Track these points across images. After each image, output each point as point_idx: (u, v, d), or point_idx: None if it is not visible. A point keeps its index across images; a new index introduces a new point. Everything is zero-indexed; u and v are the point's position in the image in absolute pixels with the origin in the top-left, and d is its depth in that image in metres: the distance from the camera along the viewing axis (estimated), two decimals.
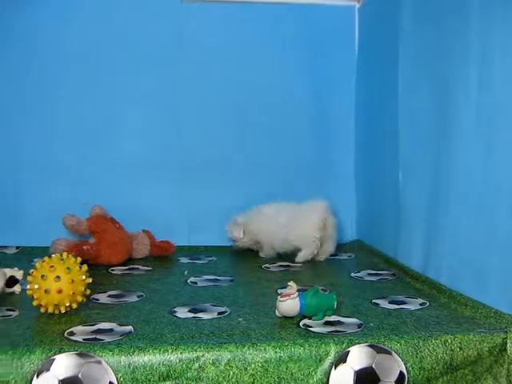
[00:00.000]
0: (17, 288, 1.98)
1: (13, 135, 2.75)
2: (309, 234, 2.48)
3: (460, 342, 1.48)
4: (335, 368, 1.42)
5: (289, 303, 1.65)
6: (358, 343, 1.45)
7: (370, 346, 1.45)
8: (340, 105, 2.89)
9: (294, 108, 2.86)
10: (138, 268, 2.42)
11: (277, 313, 1.69)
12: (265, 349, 1.42)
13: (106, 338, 1.50)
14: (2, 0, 2.68)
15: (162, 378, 1.38)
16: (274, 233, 2.56)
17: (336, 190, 2.88)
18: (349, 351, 1.43)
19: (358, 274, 2.26)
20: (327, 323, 1.63)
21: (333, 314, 1.68)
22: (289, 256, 2.56)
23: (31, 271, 1.73)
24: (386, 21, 2.44)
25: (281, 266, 2.44)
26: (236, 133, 2.85)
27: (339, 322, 1.63)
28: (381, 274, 2.25)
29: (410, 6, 2.19)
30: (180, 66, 2.79)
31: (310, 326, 1.59)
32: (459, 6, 1.81)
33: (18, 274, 2.00)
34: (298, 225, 2.51)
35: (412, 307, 1.79)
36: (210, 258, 2.59)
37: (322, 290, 1.89)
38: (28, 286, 1.72)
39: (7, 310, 1.78)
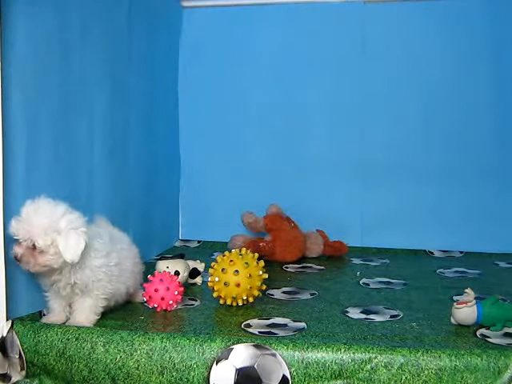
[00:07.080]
0: (198, 279, 2.12)
1: (204, 139, 2.93)
2: None
3: None
4: None
5: (465, 311, 1.60)
6: None
7: None
8: None
9: (476, 108, 2.72)
10: (311, 266, 2.47)
11: (452, 320, 1.64)
12: (439, 356, 1.38)
13: (281, 333, 1.55)
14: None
15: (333, 376, 1.39)
16: None
17: None
18: None
19: None
20: (507, 335, 1.55)
21: None
22: None
23: (212, 264, 1.83)
24: None
25: (457, 271, 2.35)
26: (417, 135, 2.78)
27: None
28: None
29: None
30: (363, 68, 2.79)
31: (488, 337, 1.53)
32: None
33: (200, 266, 2.13)
34: None
35: None
36: (383, 261, 2.56)
37: (501, 299, 1.79)
38: (209, 278, 1.83)
39: (189, 299, 1.91)
